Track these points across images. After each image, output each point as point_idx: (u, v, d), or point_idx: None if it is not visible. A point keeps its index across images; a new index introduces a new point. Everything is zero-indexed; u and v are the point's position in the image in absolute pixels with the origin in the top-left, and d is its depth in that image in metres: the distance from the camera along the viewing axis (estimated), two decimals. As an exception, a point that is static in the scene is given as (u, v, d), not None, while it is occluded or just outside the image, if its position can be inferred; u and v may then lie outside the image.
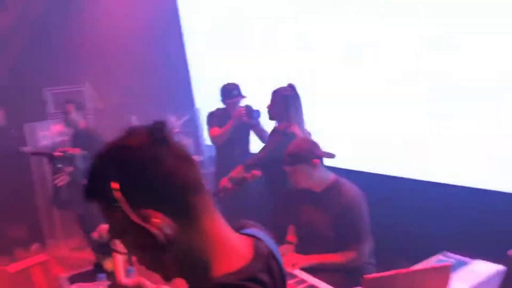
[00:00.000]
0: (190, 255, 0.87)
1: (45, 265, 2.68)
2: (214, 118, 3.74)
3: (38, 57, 4.92)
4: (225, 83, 3.76)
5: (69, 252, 4.54)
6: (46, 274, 2.65)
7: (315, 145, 2.50)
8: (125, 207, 0.82)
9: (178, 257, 0.86)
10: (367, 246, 2.37)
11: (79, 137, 3.86)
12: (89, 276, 2.24)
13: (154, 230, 0.82)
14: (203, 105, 4.95)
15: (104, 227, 2.47)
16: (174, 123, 4.28)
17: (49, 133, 4.77)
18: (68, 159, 2.97)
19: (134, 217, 0.82)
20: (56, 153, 3.03)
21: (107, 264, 2.24)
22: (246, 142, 3.79)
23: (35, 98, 5.01)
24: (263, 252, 0.92)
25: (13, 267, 2.62)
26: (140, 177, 0.83)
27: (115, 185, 0.82)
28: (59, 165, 2.96)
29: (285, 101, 3.01)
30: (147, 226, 0.82)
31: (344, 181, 2.46)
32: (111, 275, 1.98)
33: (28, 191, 4.80)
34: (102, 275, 2.04)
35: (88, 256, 2.62)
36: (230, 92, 3.69)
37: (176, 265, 0.88)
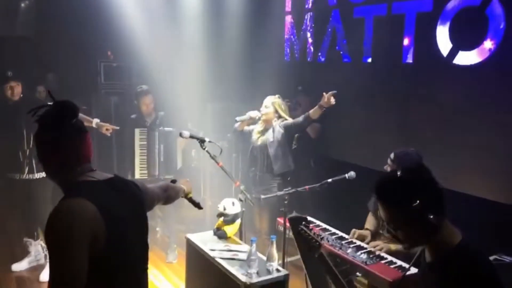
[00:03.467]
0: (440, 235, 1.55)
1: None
2: None
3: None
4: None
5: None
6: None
7: None
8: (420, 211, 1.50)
9: (435, 237, 1.53)
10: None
11: None
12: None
13: (431, 223, 1.50)
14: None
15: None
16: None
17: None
18: None
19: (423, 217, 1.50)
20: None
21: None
22: None
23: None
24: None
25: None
26: (431, 193, 1.54)
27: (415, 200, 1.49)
28: None
29: None
30: (428, 220, 1.50)
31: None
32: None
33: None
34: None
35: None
36: None
37: (430, 242, 1.56)
